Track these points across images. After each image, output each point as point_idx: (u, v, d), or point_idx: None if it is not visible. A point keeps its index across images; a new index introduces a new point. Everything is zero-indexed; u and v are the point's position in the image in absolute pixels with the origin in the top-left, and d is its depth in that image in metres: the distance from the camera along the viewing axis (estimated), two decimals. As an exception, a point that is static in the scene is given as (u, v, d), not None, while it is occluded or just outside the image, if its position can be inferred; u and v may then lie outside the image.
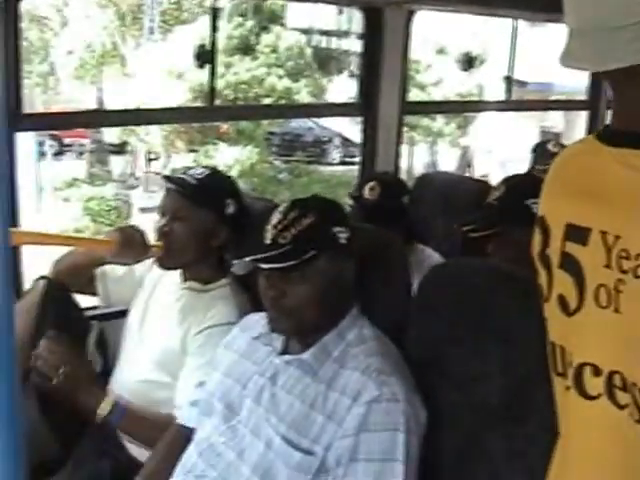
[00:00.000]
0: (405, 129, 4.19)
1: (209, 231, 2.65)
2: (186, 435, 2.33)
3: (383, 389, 1.97)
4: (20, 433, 1.05)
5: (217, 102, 9.22)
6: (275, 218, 2.09)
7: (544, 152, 3.95)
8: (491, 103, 6.17)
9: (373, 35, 3.91)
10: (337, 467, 1.98)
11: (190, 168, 2.75)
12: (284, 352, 2.18)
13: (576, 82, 7.49)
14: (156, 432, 2.47)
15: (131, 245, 2.60)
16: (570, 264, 1.39)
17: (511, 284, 2.11)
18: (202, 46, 3.79)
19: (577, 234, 1.38)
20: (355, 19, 17.91)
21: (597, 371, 1.35)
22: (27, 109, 3.08)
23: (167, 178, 2.69)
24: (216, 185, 2.71)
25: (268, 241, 2.06)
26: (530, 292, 1.97)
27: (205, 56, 3.72)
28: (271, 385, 2.14)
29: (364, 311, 2.22)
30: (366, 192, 3.27)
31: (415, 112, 6.26)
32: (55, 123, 3.70)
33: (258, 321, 2.31)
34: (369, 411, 1.96)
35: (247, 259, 2.07)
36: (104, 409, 2.49)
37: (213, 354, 2.41)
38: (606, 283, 1.32)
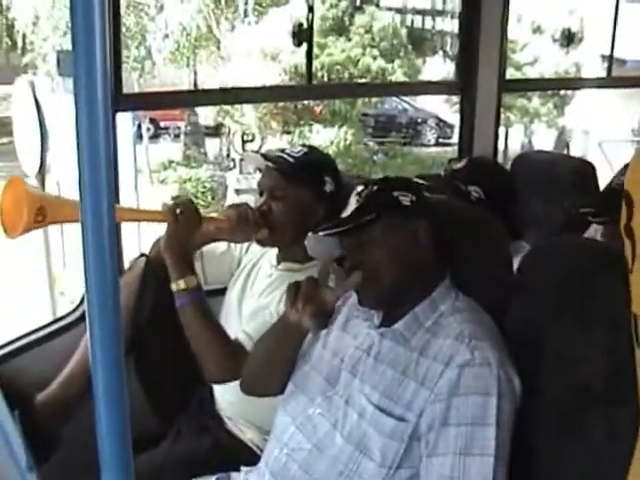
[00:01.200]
0: (501, 109, 4.13)
1: (307, 209, 2.65)
2: None
3: (475, 353, 1.97)
4: (125, 406, 1.06)
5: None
6: (354, 195, 2.15)
7: None
8: (591, 80, 6.07)
9: (470, 13, 3.88)
10: (429, 432, 1.98)
11: (288, 148, 2.75)
12: (382, 324, 2.20)
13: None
14: (213, 350, 2.51)
15: (246, 223, 2.62)
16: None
17: (617, 265, 2.07)
18: (299, 24, 3.78)
19: None
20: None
21: None
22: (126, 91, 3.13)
23: (265, 157, 2.70)
24: (314, 163, 2.72)
25: (344, 216, 2.13)
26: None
27: (302, 34, 3.73)
28: (366, 356, 2.16)
29: (463, 290, 2.20)
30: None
31: (514, 90, 6.19)
32: (152, 103, 3.75)
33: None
34: (461, 375, 1.96)
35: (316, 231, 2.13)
36: (182, 284, 2.53)
37: None
38: None
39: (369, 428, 2.05)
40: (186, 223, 2.52)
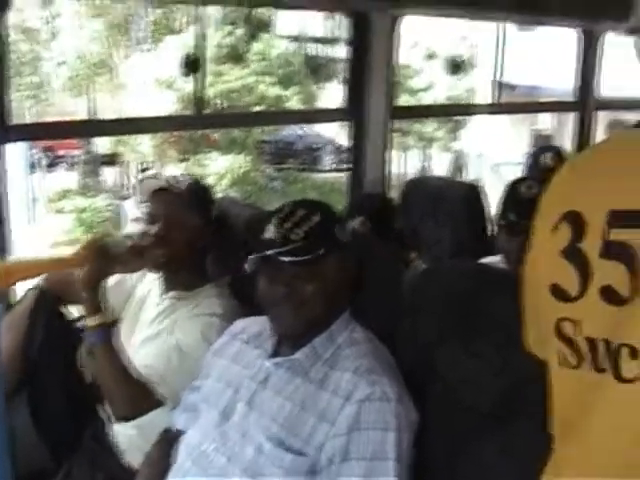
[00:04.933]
0: (397, 134, 4.19)
1: (197, 235, 2.67)
2: (177, 438, 2.33)
3: (375, 388, 1.98)
4: (4, 443, 1.05)
5: (207, 111, 9.24)
6: (281, 216, 2.10)
7: (538, 164, 3.94)
8: (480, 106, 6.17)
9: (360, 41, 3.93)
10: (329, 467, 1.98)
11: (172, 177, 2.75)
12: (274, 355, 2.18)
13: (563, 84, 7.52)
14: (123, 388, 2.45)
15: (140, 254, 2.59)
16: (618, 251, 1.36)
17: (503, 285, 2.11)
18: (189, 55, 3.77)
19: (628, 219, 1.36)
20: (345, 26, 17.92)
21: (634, 352, 1.34)
22: (18, 121, 3.08)
23: (159, 182, 2.69)
24: (202, 190, 2.76)
25: (277, 238, 2.06)
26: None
27: (192, 65, 3.73)
28: (262, 388, 2.14)
29: (356, 313, 2.22)
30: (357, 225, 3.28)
31: (403, 117, 6.26)
32: (43, 133, 3.69)
33: (247, 326, 2.34)
34: (361, 410, 1.97)
35: (260, 254, 2.06)
36: (94, 320, 2.47)
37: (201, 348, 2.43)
38: None
39: (267, 463, 2.03)
40: (102, 261, 2.50)
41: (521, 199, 2.72)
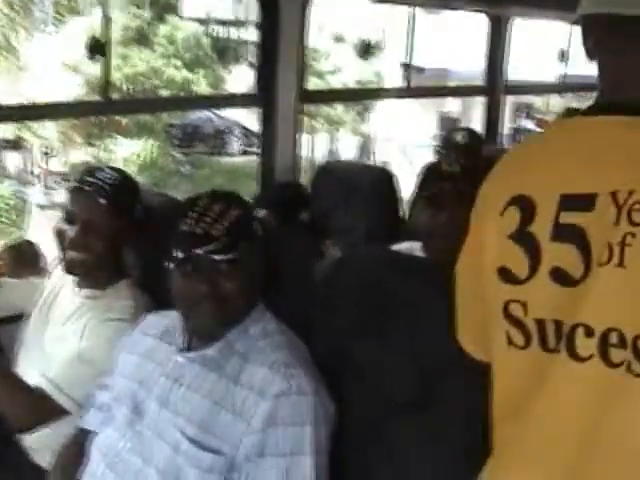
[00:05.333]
0: (305, 118, 4.17)
1: (120, 237, 2.57)
2: (88, 438, 2.27)
3: (291, 382, 1.96)
4: None
5: (114, 95, 9.08)
6: (198, 209, 2.03)
7: (452, 143, 3.97)
8: (390, 90, 6.18)
9: (269, 24, 3.89)
10: (247, 463, 1.96)
11: (97, 169, 2.63)
12: (187, 350, 2.13)
13: (472, 68, 7.61)
14: (18, 399, 2.38)
15: (23, 263, 2.51)
16: (569, 233, 1.40)
17: (417, 273, 2.11)
18: (94, 38, 3.66)
19: (578, 202, 1.39)
20: (253, 8, 17.85)
21: (589, 332, 1.36)
22: None
23: (80, 181, 2.58)
24: (128, 190, 2.63)
25: (197, 234, 1.99)
26: (438, 280, 1.98)
27: (97, 48, 3.62)
28: (176, 386, 2.09)
29: (269, 305, 2.19)
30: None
31: (313, 101, 6.25)
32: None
33: (159, 320, 2.28)
34: (277, 405, 1.94)
35: (184, 254, 2.00)
36: None
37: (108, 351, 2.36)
38: (611, 241, 1.34)
39: (185, 463, 1.99)
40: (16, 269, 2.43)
41: (443, 172, 2.71)
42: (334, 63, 19.76)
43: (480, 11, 5.21)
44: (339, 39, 20.08)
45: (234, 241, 2.00)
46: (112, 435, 2.16)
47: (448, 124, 17.84)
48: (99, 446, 2.19)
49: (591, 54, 1.50)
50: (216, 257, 1.99)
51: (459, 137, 4.00)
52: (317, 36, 17.45)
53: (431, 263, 2.45)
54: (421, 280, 2.06)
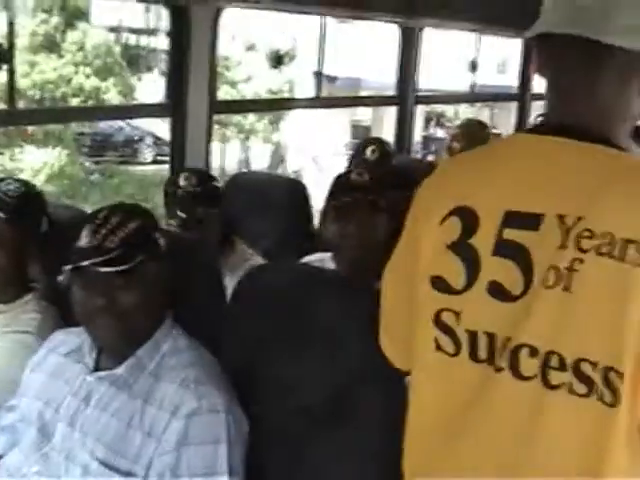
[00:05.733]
0: (217, 126, 4.13)
1: (25, 250, 2.50)
2: None
3: (202, 401, 1.92)
4: None
5: (21, 102, 8.90)
6: (96, 223, 1.99)
7: (361, 157, 3.96)
8: (302, 100, 6.19)
9: (180, 33, 3.85)
10: None
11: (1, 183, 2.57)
12: (96, 369, 2.08)
13: (384, 77, 7.68)
14: None
15: None
16: (512, 250, 1.42)
17: (327, 285, 2.10)
18: (-1, 43, 3.55)
19: (523, 221, 1.42)
20: (164, 16, 17.75)
21: (533, 352, 1.39)
22: None
23: None
24: (32, 203, 2.56)
25: (92, 246, 1.95)
26: (351, 293, 1.98)
27: (2, 54, 3.52)
28: (85, 406, 2.04)
29: (178, 320, 2.15)
30: (181, 181, 3.16)
31: (225, 111, 6.24)
32: None
33: (67, 338, 2.22)
34: (189, 424, 1.91)
35: (73, 265, 1.95)
36: None
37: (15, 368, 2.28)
38: (558, 264, 1.36)
39: None
40: None
41: (352, 183, 2.71)
42: (246, 71, 19.73)
43: (392, 22, 5.25)
44: (251, 47, 20.06)
45: (129, 253, 1.95)
46: (18, 458, 2.10)
47: (360, 132, 17.99)
48: (4, 469, 2.12)
49: (542, 72, 1.52)
50: (110, 269, 1.94)
51: (369, 148, 4.01)
52: (229, 44, 17.44)
53: (340, 276, 2.45)
54: (329, 293, 2.06)
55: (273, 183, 3.92)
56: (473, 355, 1.47)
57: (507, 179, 1.48)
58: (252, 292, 2.20)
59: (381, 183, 2.69)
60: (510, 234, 1.42)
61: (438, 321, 1.51)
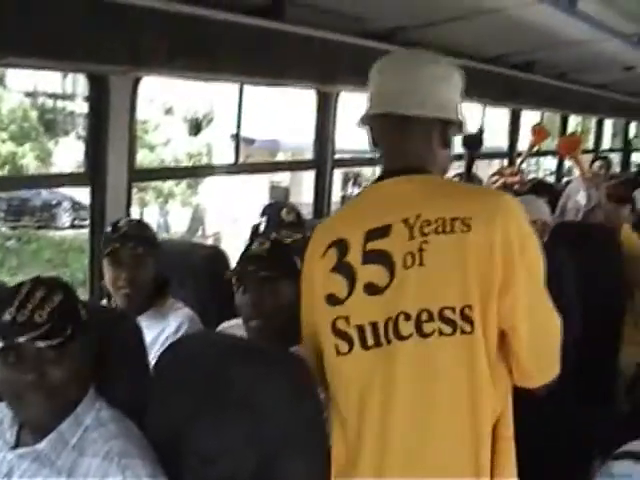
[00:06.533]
0: (135, 190, 4.12)
1: None
2: None
3: (126, 473, 1.92)
4: None
5: None
6: (21, 297, 1.98)
7: (277, 219, 3.96)
8: (220, 167, 6.19)
9: (98, 101, 3.82)
10: None
11: None
12: (17, 444, 2.06)
13: (301, 139, 7.74)
14: None
15: None
16: (375, 256, 1.94)
17: (246, 354, 2.12)
18: None
19: (378, 232, 1.95)
20: (81, 81, 17.66)
21: (407, 316, 1.90)
22: None
23: None
24: None
25: (19, 321, 1.94)
26: (267, 360, 2.00)
27: None
28: None
29: (101, 391, 2.14)
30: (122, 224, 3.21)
31: (144, 179, 6.23)
32: None
33: None
34: None
35: (4, 344, 1.93)
36: None
37: None
38: (411, 250, 1.91)
39: None
40: None
41: (250, 254, 2.74)
42: (165, 134, 19.68)
43: (308, 88, 5.31)
44: (169, 111, 20.05)
45: (59, 326, 1.96)
46: None
47: (279, 193, 18.03)
48: None
49: (375, 141, 2.13)
50: (41, 344, 1.93)
51: (284, 210, 4.00)
52: (147, 107, 17.40)
53: (257, 343, 2.47)
54: (246, 361, 2.08)
55: (193, 251, 3.91)
56: (364, 345, 1.94)
57: (365, 210, 2.05)
58: (173, 363, 2.21)
59: (278, 254, 2.72)
60: (371, 245, 1.95)
61: (335, 329, 1.98)
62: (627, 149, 13.13)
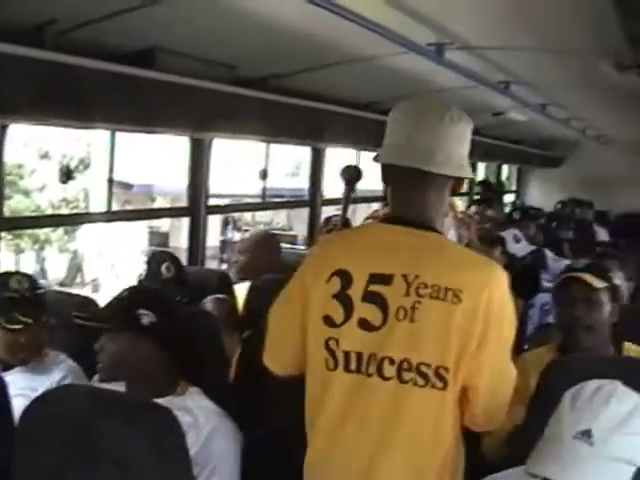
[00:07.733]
0: (9, 237, 4.03)
1: None
2: None
3: None
4: None
5: None
6: None
7: (158, 272, 3.95)
8: (95, 215, 6.11)
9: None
10: None
11: None
12: None
13: (177, 183, 7.71)
14: None
15: None
16: (374, 297, 2.22)
17: (114, 408, 2.10)
18: None
19: (381, 279, 2.22)
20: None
21: (392, 361, 2.20)
22: None
23: None
24: None
25: None
26: (135, 412, 1.98)
27: None
28: None
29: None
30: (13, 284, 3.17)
31: (16, 227, 6.11)
32: None
33: None
34: None
35: None
36: None
37: None
38: (404, 305, 2.19)
39: None
40: None
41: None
42: (40, 180, 19.33)
43: (181, 135, 5.31)
44: (45, 155, 19.72)
45: None
46: None
47: (158, 239, 17.88)
48: None
49: (387, 182, 2.34)
50: None
51: (164, 265, 3.99)
52: (23, 152, 17.10)
53: (131, 399, 2.44)
54: (114, 414, 2.06)
55: (66, 300, 3.85)
56: (346, 368, 2.24)
57: (369, 250, 2.29)
58: (40, 418, 2.17)
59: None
60: (373, 287, 2.22)
61: (327, 346, 2.26)
62: (500, 190, 13.52)
